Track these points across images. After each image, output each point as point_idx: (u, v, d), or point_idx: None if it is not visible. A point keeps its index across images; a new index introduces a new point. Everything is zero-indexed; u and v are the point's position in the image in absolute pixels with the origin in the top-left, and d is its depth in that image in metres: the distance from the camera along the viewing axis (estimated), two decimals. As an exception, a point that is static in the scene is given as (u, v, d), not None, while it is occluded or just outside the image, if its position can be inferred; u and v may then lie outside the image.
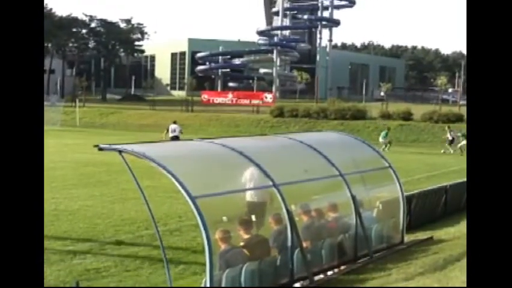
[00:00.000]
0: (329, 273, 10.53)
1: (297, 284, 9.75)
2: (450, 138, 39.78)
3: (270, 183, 9.80)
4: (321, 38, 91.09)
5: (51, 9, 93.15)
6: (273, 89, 79.24)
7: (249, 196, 11.91)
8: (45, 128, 47.60)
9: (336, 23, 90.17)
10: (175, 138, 34.69)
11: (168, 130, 36.36)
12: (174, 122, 37.67)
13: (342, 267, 10.81)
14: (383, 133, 40.36)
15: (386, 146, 38.68)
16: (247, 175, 10.79)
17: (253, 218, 10.00)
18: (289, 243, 9.61)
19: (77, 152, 33.14)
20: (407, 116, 51.63)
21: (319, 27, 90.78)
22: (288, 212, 9.63)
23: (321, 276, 10.28)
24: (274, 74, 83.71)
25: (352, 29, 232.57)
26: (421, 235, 13.62)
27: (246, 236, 9.40)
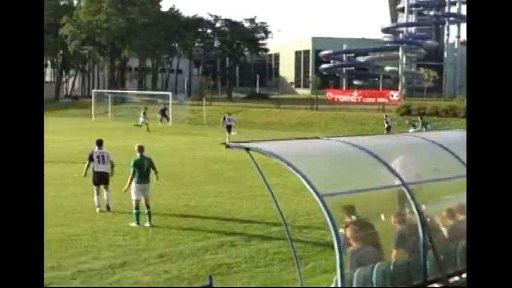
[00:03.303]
0: (464, 275, 10.26)
1: (433, 285, 9.55)
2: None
3: (399, 182, 9.65)
4: (448, 35, 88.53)
5: (177, 10, 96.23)
6: (399, 86, 77.83)
7: None
8: (174, 125, 49.16)
9: (464, 18, 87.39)
10: (229, 127, 43.66)
11: (224, 119, 45.25)
12: (229, 114, 47.11)
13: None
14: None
15: None
16: (398, 163, 10.42)
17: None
18: (421, 244, 9.44)
19: (205, 149, 33.97)
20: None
21: (447, 23, 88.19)
22: (419, 212, 9.45)
23: (456, 278, 10.04)
24: (400, 72, 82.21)
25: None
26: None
27: (348, 219, 9.30)
